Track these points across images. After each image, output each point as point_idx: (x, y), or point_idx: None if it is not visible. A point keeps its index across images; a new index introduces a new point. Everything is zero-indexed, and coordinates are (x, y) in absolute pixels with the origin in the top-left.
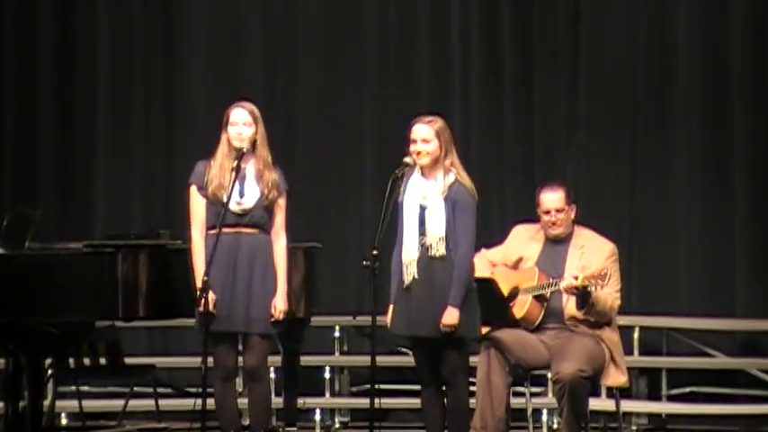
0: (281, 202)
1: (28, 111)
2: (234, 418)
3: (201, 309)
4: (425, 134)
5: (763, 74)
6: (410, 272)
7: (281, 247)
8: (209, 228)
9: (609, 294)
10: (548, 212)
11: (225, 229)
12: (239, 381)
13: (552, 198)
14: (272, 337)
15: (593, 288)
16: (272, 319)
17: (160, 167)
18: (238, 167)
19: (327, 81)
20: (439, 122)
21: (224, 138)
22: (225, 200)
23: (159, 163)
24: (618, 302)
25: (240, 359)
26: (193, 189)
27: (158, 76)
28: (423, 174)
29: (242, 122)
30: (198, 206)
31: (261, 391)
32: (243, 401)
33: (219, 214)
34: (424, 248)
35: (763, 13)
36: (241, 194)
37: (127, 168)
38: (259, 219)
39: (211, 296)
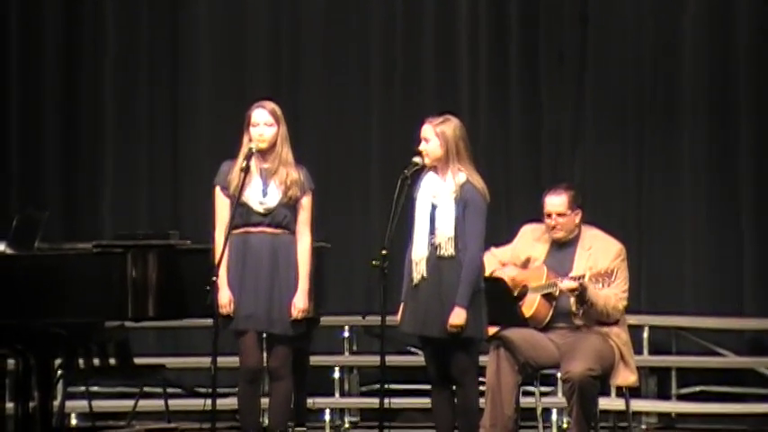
0: (305, 201)
1: (33, 111)
2: (256, 420)
3: (219, 309)
4: (426, 133)
5: None
6: (419, 270)
7: (304, 246)
8: (233, 227)
9: (612, 295)
10: (549, 216)
11: (250, 229)
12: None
13: (554, 202)
14: (295, 337)
15: (600, 286)
16: (291, 318)
17: (167, 168)
18: (247, 167)
19: (333, 80)
20: (444, 123)
21: (245, 139)
22: (237, 200)
23: (166, 163)
24: (623, 303)
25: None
26: (218, 190)
27: (164, 76)
28: (436, 172)
29: (263, 123)
30: (222, 206)
31: (282, 391)
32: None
33: (243, 214)
34: (434, 247)
35: None
36: (264, 194)
37: (134, 168)
38: (282, 218)
39: (227, 295)
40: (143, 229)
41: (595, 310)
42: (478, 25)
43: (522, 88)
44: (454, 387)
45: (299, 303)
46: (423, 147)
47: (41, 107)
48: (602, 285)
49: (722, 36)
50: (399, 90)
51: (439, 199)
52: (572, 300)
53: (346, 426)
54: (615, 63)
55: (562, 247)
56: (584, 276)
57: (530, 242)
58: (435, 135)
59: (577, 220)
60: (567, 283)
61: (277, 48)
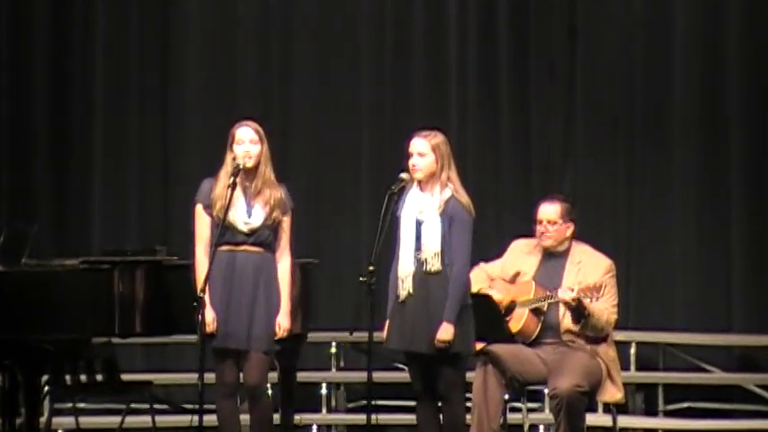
0: (286, 221)
1: (23, 126)
2: None
3: (199, 326)
4: (421, 148)
5: (760, 91)
6: (405, 286)
7: (286, 266)
8: (215, 246)
9: (605, 309)
10: (540, 222)
11: (232, 247)
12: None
13: (547, 210)
14: (272, 354)
15: (588, 300)
16: (276, 337)
17: (157, 183)
18: (234, 184)
19: (323, 97)
20: (437, 137)
21: (229, 157)
22: (224, 217)
23: (156, 179)
24: (614, 317)
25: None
26: (199, 208)
27: (154, 91)
28: (420, 188)
29: (248, 140)
30: (203, 225)
31: (263, 407)
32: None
33: (225, 232)
34: (420, 263)
35: (761, 29)
36: (248, 214)
37: (123, 184)
38: (265, 238)
39: (211, 313)
40: (132, 244)
41: (592, 321)
42: (467, 39)
43: (511, 101)
44: (440, 403)
45: (284, 323)
46: (416, 161)
47: (31, 121)
48: (591, 300)
49: (713, 49)
50: (389, 104)
51: (425, 214)
52: (569, 314)
53: None
54: (605, 76)
55: (552, 261)
56: (573, 290)
57: (519, 256)
58: (431, 149)
59: (568, 233)
60: (564, 293)
61: (267, 64)
